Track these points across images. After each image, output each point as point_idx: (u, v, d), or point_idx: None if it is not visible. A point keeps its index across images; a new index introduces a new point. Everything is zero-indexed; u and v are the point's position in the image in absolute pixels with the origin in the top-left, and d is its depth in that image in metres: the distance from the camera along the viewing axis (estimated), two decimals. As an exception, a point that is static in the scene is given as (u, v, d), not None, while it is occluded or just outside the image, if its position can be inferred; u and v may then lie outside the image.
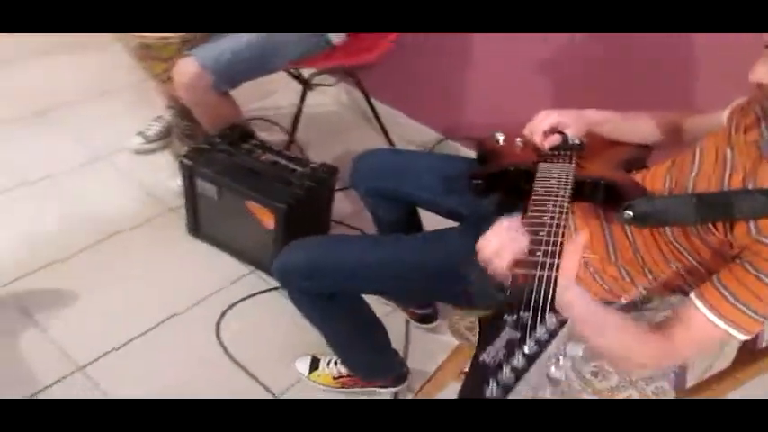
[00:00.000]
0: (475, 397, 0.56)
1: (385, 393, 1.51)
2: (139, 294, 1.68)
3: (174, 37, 1.66)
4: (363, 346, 1.39)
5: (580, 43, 1.78)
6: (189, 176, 1.69)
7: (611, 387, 1.10)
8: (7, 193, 1.90)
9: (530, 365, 0.57)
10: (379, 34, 1.90)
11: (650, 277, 1.03)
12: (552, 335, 0.61)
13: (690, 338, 0.90)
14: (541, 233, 0.84)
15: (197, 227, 1.81)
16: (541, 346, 0.60)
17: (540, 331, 0.62)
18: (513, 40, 1.89)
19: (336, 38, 1.87)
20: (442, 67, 2.11)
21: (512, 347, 0.60)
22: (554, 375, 0.60)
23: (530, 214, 0.91)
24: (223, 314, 1.66)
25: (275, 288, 1.73)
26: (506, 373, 0.57)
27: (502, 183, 1.13)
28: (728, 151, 0.96)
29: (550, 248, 0.81)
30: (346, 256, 1.17)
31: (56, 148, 2.09)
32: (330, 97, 2.49)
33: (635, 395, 1.09)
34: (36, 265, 1.70)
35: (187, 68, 1.64)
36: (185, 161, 1.66)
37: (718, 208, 0.91)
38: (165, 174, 2.02)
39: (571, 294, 0.79)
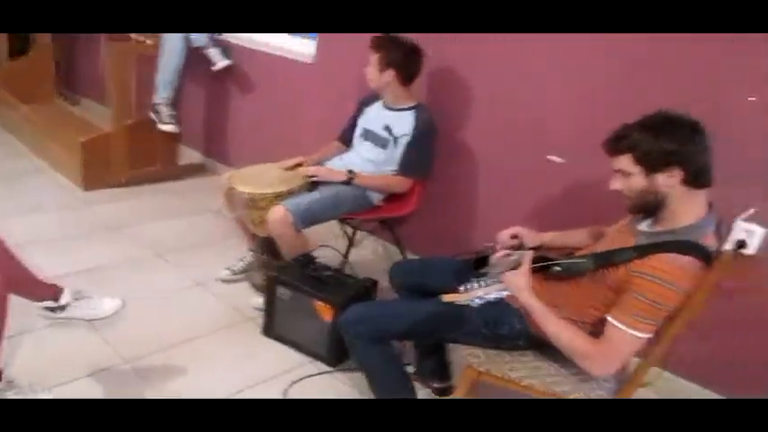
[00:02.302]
0: (450, 292, 1.23)
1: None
2: (225, 373, 2.26)
3: (270, 193, 2.46)
4: (398, 390, 1.93)
5: (555, 212, 2.54)
6: (271, 284, 2.37)
7: (564, 391, 1.65)
8: (138, 302, 2.54)
9: (479, 287, 1.25)
10: (407, 197, 2.68)
11: (578, 312, 1.65)
12: (494, 284, 1.29)
13: (608, 339, 1.50)
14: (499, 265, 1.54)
15: (271, 327, 2.44)
16: (487, 284, 1.27)
17: (490, 281, 1.28)
18: (509, 207, 2.66)
19: (377, 200, 2.68)
20: (455, 221, 2.87)
21: (473, 284, 1.27)
22: (492, 296, 1.26)
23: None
24: (288, 387, 2.21)
25: (327, 372, 2.31)
26: (467, 287, 1.23)
27: (485, 261, 1.80)
28: (616, 233, 1.65)
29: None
30: (391, 307, 1.84)
31: (169, 276, 2.83)
32: (370, 250, 3.24)
33: (582, 396, 1.64)
34: (153, 350, 2.32)
35: (278, 212, 2.40)
36: (270, 273, 2.36)
37: (604, 259, 1.57)
38: (245, 296, 2.71)
39: (526, 292, 1.52)
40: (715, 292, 1.49)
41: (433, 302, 1.85)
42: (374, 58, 2.53)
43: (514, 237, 1.88)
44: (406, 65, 2.54)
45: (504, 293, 1.43)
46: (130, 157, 3.68)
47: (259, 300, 2.62)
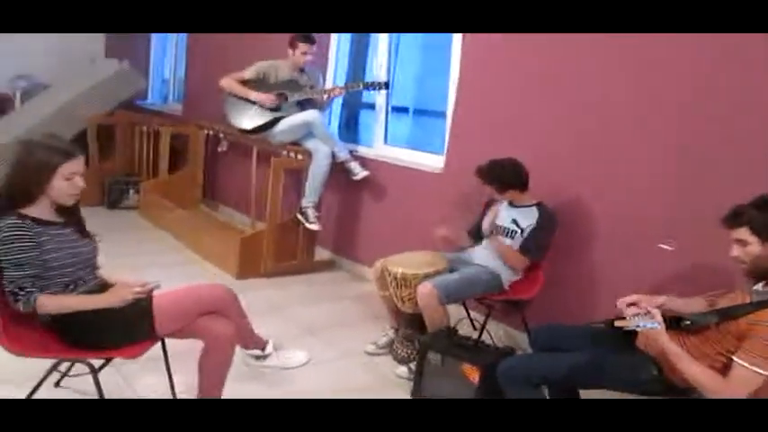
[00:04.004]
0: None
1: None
2: None
3: (420, 273, 2.95)
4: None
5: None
6: (424, 350, 2.79)
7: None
8: (300, 369, 3.03)
9: (639, 317, 1.67)
10: (532, 283, 3.11)
11: (706, 358, 1.99)
12: (646, 317, 1.70)
13: (735, 377, 1.85)
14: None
15: (419, 390, 2.83)
16: (643, 317, 1.69)
17: (643, 314, 1.70)
18: (621, 289, 3.04)
19: (507, 284, 3.11)
20: (572, 304, 3.25)
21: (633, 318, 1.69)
22: (649, 325, 1.67)
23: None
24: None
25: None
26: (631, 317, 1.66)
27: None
28: (733, 295, 2.03)
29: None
30: (543, 358, 2.24)
31: (321, 349, 3.27)
32: (493, 334, 3.63)
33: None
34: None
35: (426, 287, 2.89)
36: (423, 339, 2.80)
37: (727, 313, 1.94)
38: (390, 366, 3.13)
39: (663, 335, 1.87)
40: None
41: (577, 354, 2.24)
42: (490, 188, 3.09)
43: (631, 305, 2.22)
44: (520, 181, 3.08)
45: (657, 325, 1.84)
46: (277, 252, 4.29)
47: (403, 369, 3.05)
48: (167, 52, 7.21)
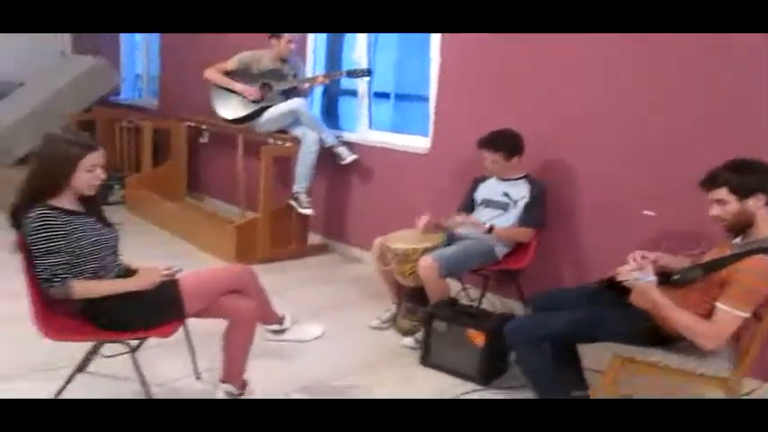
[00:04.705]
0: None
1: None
2: (394, 390, 2.82)
3: (420, 248, 3.11)
4: (555, 387, 2.45)
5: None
6: (429, 319, 2.97)
7: (692, 366, 2.18)
8: (307, 345, 3.18)
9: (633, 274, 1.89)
10: (525, 252, 3.30)
11: (692, 307, 2.20)
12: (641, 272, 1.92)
13: (718, 320, 2.06)
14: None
15: (427, 356, 3.01)
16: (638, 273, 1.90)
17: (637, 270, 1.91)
18: (609, 255, 3.26)
19: (501, 255, 3.30)
20: (564, 271, 3.46)
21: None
22: (645, 279, 1.89)
23: None
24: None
25: (480, 389, 2.84)
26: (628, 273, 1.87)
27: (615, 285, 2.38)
28: (715, 250, 2.25)
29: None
30: (546, 316, 2.42)
31: (328, 329, 3.37)
32: (489, 305, 3.82)
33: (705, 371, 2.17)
34: (338, 376, 2.90)
35: (427, 261, 3.05)
36: (428, 309, 2.97)
37: (710, 266, 2.15)
38: (395, 338, 3.30)
39: (654, 289, 2.08)
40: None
41: (576, 311, 2.43)
42: (496, 155, 3.23)
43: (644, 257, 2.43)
44: (522, 147, 3.27)
45: (651, 278, 2.06)
46: (271, 238, 4.41)
47: (408, 340, 3.22)
48: (138, 47, 7.19)
